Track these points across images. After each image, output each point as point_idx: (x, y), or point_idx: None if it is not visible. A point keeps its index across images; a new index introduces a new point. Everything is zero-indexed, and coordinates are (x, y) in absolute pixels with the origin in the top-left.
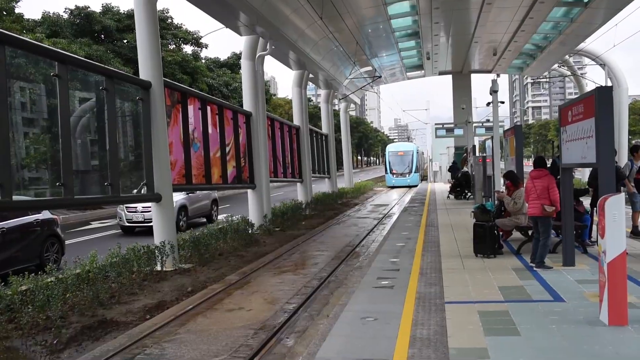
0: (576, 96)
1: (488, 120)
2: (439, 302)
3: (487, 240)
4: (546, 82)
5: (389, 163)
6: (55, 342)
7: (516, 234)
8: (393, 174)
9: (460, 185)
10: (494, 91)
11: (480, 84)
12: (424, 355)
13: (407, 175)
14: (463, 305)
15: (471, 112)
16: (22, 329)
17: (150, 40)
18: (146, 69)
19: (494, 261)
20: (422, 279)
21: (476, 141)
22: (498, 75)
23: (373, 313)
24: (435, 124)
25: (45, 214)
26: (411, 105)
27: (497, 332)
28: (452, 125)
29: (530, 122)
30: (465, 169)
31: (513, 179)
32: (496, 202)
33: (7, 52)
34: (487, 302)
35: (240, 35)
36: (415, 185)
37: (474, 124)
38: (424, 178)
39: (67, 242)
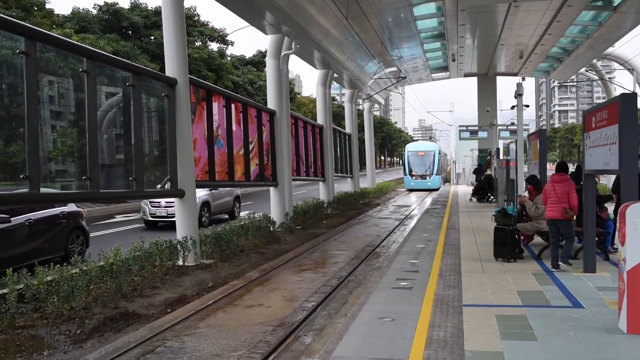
0: (603, 101)
1: (513, 123)
2: (457, 304)
3: (508, 244)
4: (573, 86)
5: (408, 164)
6: (78, 332)
7: (537, 239)
8: (412, 175)
9: (483, 188)
10: (518, 95)
11: (505, 86)
12: (440, 356)
13: (428, 178)
14: (481, 308)
15: (496, 114)
16: (47, 319)
17: (177, 37)
18: (172, 66)
19: (514, 265)
20: (441, 281)
21: (500, 144)
22: (523, 79)
23: (391, 313)
24: (460, 126)
25: (71, 207)
26: (436, 106)
27: (514, 337)
28: (477, 128)
29: (557, 125)
30: (488, 171)
31: (535, 183)
32: (518, 206)
33: (37, 47)
34: (505, 307)
35: (266, 34)
36: (437, 189)
37: (499, 127)
38: (446, 180)
39: (91, 234)
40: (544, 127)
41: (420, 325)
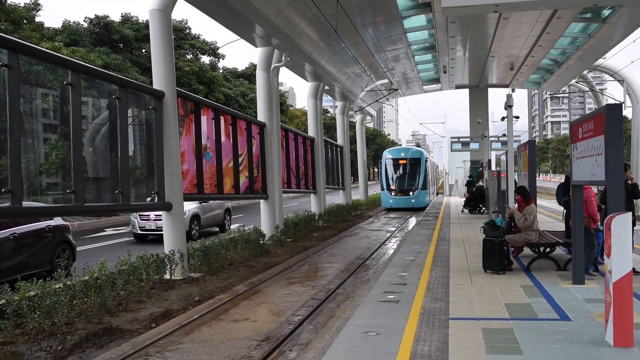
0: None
1: (504, 135)
2: (444, 318)
3: (497, 256)
4: (565, 97)
5: (386, 175)
6: (59, 348)
7: (527, 251)
8: (391, 190)
9: (475, 199)
10: (508, 106)
11: (498, 98)
12: None
13: (411, 193)
14: (467, 321)
15: (487, 126)
16: (28, 335)
17: (164, 50)
18: (160, 79)
19: (503, 278)
20: (429, 294)
21: (493, 155)
22: (513, 90)
23: (376, 327)
24: (451, 138)
25: (57, 221)
26: (429, 118)
27: (499, 351)
28: (468, 139)
29: (549, 137)
30: (480, 183)
31: (524, 194)
32: (507, 217)
33: (20, 60)
34: (491, 320)
35: (256, 46)
36: (423, 208)
37: (490, 138)
38: (439, 192)
39: (80, 248)
40: (532, 139)
41: (405, 340)
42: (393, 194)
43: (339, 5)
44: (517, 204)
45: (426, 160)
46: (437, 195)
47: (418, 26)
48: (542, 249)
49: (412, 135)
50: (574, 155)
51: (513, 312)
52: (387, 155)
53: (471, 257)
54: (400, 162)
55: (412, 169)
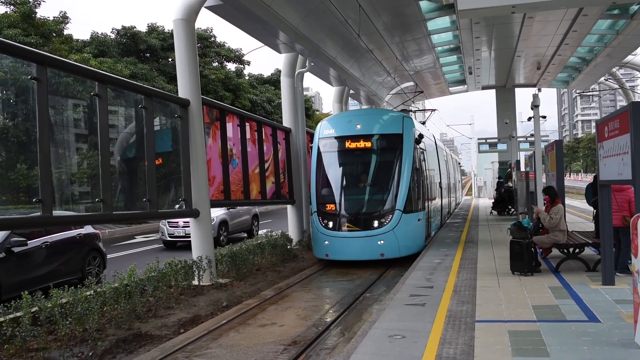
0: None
1: (532, 135)
2: (470, 320)
3: (524, 258)
4: (594, 95)
5: (317, 178)
6: (90, 354)
7: (556, 251)
8: (326, 216)
9: (503, 200)
10: (535, 106)
11: (526, 97)
12: None
13: (376, 224)
14: (494, 324)
15: (515, 126)
16: (60, 341)
17: (189, 59)
18: (185, 88)
19: (531, 279)
20: (455, 297)
21: (521, 156)
22: (539, 90)
23: (401, 331)
24: (478, 139)
25: (88, 229)
26: (457, 119)
27: (526, 353)
28: (496, 140)
29: (580, 135)
30: (509, 184)
31: (551, 194)
32: (534, 218)
33: (48, 73)
34: (518, 322)
35: (280, 53)
36: (416, 253)
37: (519, 139)
38: (467, 194)
39: (110, 255)
40: (564, 138)
41: (430, 343)
42: (332, 225)
43: (362, 10)
44: (544, 204)
45: (417, 140)
46: (455, 207)
47: (442, 28)
48: (570, 249)
49: (442, 141)
50: (601, 154)
51: (540, 314)
52: (325, 132)
53: (499, 259)
54: (350, 146)
55: (380, 164)
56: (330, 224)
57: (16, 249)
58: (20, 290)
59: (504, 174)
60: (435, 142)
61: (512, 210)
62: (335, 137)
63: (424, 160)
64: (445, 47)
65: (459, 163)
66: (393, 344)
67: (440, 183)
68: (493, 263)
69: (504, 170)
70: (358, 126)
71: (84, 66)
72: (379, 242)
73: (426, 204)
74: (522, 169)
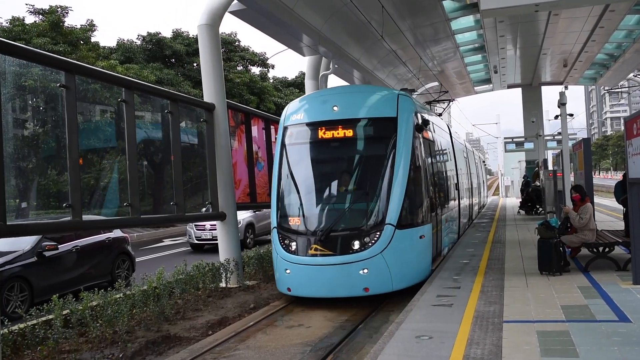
0: None
1: (559, 133)
2: (497, 321)
3: (552, 258)
4: (623, 92)
5: (277, 185)
6: (120, 355)
7: (585, 251)
8: (288, 236)
9: (531, 200)
10: (561, 104)
11: (553, 95)
12: None
13: (356, 245)
14: (522, 324)
15: (542, 124)
16: (91, 343)
17: (214, 64)
18: (210, 92)
19: (560, 279)
20: (483, 297)
21: (549, 155)
22: (566, 88)
23: (429, 331)
24: (505, 138)
25: (116, 233)
26: (483, 118)
27: (555, 353)
28: (522, 139)
29: (609, 133)
30: (537, 183)
31: (581, 192)
32: (562, 216)
33: (77, 80)
34: (547, 322)
35: (304, 55)
36: (418, 284)
37: (546, 137)
38: (494, 194)
39: (139, 259)
40: (592, 136)
41: (457, 343)
42: (294, 246)
43: (385, 11)
44: (572, 203)
45: (418, 127)
46: (479, 211)
47: (466, 27)
48: (599, 248)
49: (469, 140)
50: (630, 152)
51: (569, 314)
52: (291, 118)
53: (527, 259)
54: (324, 135)
55: (365, 160)
56: (293, 246)
57: (47, 253)
58: (52, 294)
59: (532, 173)
60: (450, 133)
61: (540, 209)
62: (305, 125)
63: (432, 154)
64: (470, 47)
65: (484, 161)
66: (420, 345)
67: (457, 184)
68: (521, 263)
69: (531, 170)
70: (335, 108)
71: (111, 73)
72: (361, 272)
73: (434, 214)
74: (550, 167)
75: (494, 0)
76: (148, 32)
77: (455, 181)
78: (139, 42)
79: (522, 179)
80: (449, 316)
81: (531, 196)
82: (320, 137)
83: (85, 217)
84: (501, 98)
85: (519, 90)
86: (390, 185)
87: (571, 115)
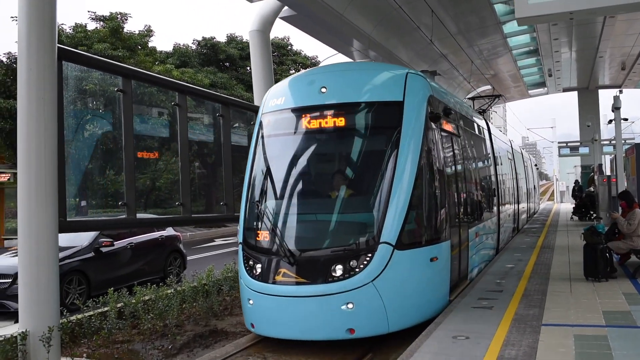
0: None
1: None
2: (536, 324)
3: (598, 263)
4: None
5: (248, 188)
6: (170, 347)
7: (635, 257)
8: (253, 252)
9: (585, 205)
10: (615, 108)
11: (611, 99)
12: None
13: (340, 273)
14: (560, 327)
15: (599, 129)
16: (143, 334)
17: (264, 68)
18: (260, 95)
19: (605, 285)
20: (524, 301)
21: (606, 160)
22: (620, 92)
23: (466, 332)
24: (559, 142)
25: (169, 231)
26: (539, 122)
27: (589, 357)
28: (577, 144)
29: None
30: (591, 189)
31: (628, 199)
32: (610, 223)
33: (133, 85)
34: (586, 326)
35: (354, 60)
36: (426, 322)
37: (603, 142)
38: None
39: (191, 257)
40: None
41: (493, 344)
42: (260, 270)
43: (434, 15)
44: (620, 209)
45: (434, 116)
46: (528, 219)
47: (518, 30)
48: None
49: (524, 145)
50: None
51: (610, 320)
52: (271, 103)
53: (574, 264)
54: (308, 125)
55: (360, 157)
56: (258, 268)
57: (104, 249)
58: (108, 288)
59: (587, 179)
60: (489, 129)
61: (594, 215)
62: (283, 111)
63: (456, 151)
64: (523, 50)
65: (536, 165)
66: (456, 344)
67: (497, 190)
68: (567, 268)
69: (586, 175)
70: (323, 90)
71: (165, 77)
72: (343, 307)
73: (456, 228)
74: (608, 173)
75: (529, 9)
76: (203, 37)
77: (494, 186)
78: (194, 47)
79: (574, 185)
80: (487, 318)
81: (585, 202)
82: (301, 127)
83: (140, 216)
84: (560, 101)
85: (572, 94)
86: (390, 191)
87: (625, 119)
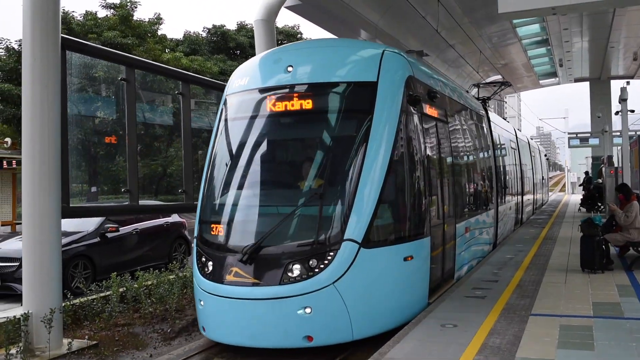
0: None
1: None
2: (525, 313)
3: (595, 255)
4: None
5: (206, 177)
6: (169, 330)
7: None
8: (206, 248)
9: (593, 197)
10: (622, 100)
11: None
12: None
13: (297, 273)
14: (548, 318)
15: (610, 120)
16: (144, 318)
17: None
18: None
19: (600, 277)
20: (517, 291)
21: (616, 151)
22: (628, 83)
23: (455, 320)
24: (569, 133)
25: (174, 218)
26: (554, 112)
27: (571, 346)
28: (588, 135)
29: None
30: (599, 180)
31: (626, 192)
32: (607, 215)
33: (136, 74)
34: (573, 317)
35: None
36: (397, 328)
37: (614, 133)
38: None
39: None
40: None
41: (479, 332)
42: (211, 267)
43: (441, 5)
44: (619, 202)
45: (414, 99)
46: (534, 211)
47: (528, 20)
48: None
49: (539, 135)
50: None
51: (598, 311)
52: (235, 84)
53: (573, 256)
54: (273, 108)
55: (326, 144)
56: (210, 266)
57: (109, 235)
58: (113, 272)
59: (597, 170)
60: (488, 116)
61: (602, 206)
62: (246, 92)
63: (443, 139)
64: (533, 40)
65: (546, 155)
66: (443, 332)
67: (496, 181)
68: (566, 260)
69: (596, 166)
70: (289, 69)
71: (168, 67)
72: (300, 312)
73: (438, 224)
74: (618, 164)
75: (511, 4)
76: (213, 25)
77: (492, 177)
78: (204, 35)
79: (585, 176)
80: (478, 307)
81: (592, 193)
82: (264, 110)
83: (142, 202)
84: (574, 91)
85: (584, 84)
86: (359, 182)
87: (632, 111)
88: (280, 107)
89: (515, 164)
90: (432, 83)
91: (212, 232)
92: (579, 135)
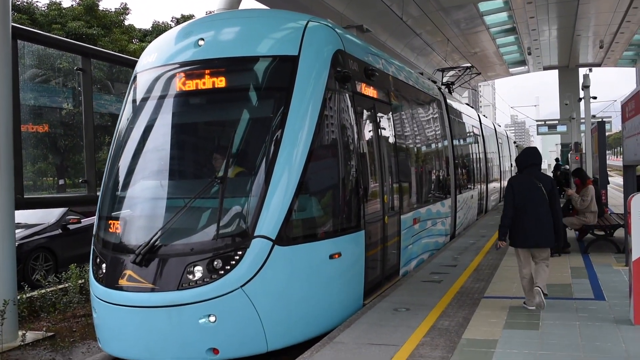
0: None
1: (594, 117)
2: (478, 296)
3: None
4: None
5: (110, 164)
6: None
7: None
8: (101, 247)
9: (560, 183)
10: (585, 87)
11: (594, 77)
12: (434, 343)
13: (198, 276)
14: (499, 300)
15: (578, 107)
16: None
17: None
18: None
19: (557, 260)
20: (474, 275)
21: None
22: (590, 70)
23: (408, 304)
24: (537, 121)
25: None
26: (527, 101)
27: (517, 326)
28: (556, 122)
29: None
30: (566, 166)
31: (581, 176)
32: (564, 199)
33: (92, 64)
34: (524, 298)
35: None
36: (321, 335)
37: (580, 120)
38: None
39: None
40: (602, 120)
41: (430, 315)
42: (104, 270)
43: None
44: (575, 186)
45: (344, 76)
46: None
47: (494, 9)
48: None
49: (513, 123)
50: (624, 134)
51: (549, 292)
52: (144, 61)
53: None
54: (182, 87)
55: (240, 128)
56: (103, 268)
57: (71, 226)
58: (73, 263)
59: (566, 156)
60: (445, 99)
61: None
62: (153, 69)
63: (380, 121)
64: (501, 28)
65: (515, 142)
66: (395, 315)
67: (454, 169)
68: None
69: (566, 153)
70: (201, 43)
71: (125, 56)
72: (202, 321)
73: (376, 216)
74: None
75: None
76: (182, 15)
77: (448, 165)
78: (173, 25)
79: (555, 162)
80: (433, 291)
81: (559, 179)
82: (170, 90)
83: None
84: (545, 80)
85: (554, 72)
86: (273, 171)
87: (594, 97)
88: (189, 85)
89: (479, 152)
90: (370, 60)
91: (109, 230)
92: (547, 122)
